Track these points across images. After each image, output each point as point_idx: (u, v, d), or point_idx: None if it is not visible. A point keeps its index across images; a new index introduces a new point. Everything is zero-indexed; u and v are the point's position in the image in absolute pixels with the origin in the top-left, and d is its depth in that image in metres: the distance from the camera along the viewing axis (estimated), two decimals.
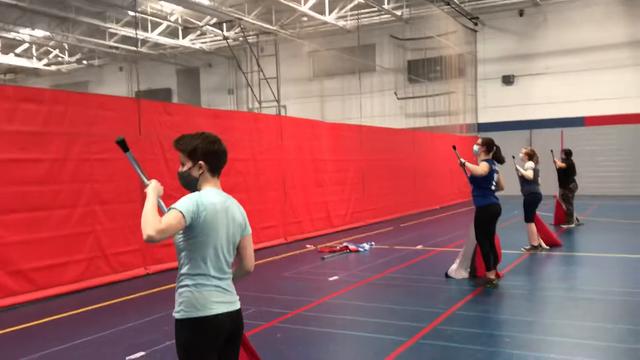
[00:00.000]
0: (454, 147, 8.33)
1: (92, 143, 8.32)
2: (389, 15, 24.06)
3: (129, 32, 24.65)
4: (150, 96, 29.40)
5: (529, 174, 10.35)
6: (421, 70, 25.50)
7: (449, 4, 22.21)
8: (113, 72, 32.61)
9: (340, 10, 24.14)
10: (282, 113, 23.23)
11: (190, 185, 3.02)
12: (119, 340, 5.82)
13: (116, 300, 7.54)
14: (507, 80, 25.00)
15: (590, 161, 22.75)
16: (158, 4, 22.84)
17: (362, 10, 23.91)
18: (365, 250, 11.04)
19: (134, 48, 27.71)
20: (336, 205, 14.27)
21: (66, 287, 7.90)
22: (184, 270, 2.92)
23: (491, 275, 7.77)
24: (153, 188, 2.91)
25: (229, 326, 2.93)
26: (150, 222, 2.68)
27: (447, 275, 8.30)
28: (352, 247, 11.02)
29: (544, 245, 10.46)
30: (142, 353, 5.34)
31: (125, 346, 5.57)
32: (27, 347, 5.64)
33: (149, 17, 23.64)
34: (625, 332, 5.69)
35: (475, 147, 8.02)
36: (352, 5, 23.56)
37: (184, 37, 26.89)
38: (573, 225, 13.38)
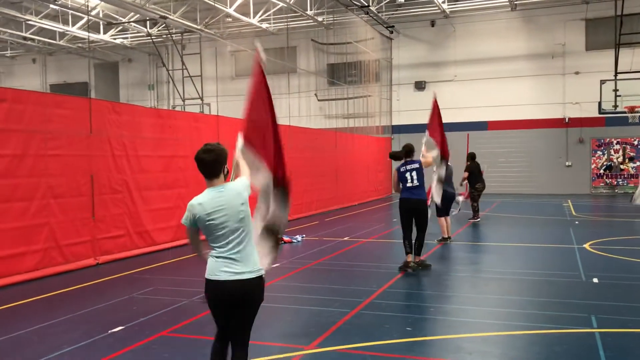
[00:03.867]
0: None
1: (47, 140, 8.75)
2: (311, 21, 25.18)
3: (46, 24, 24.24)
4: (65, 90, 28.87)
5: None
6: (341, 73, 26.80)
7: (367, 13, 23.62)
8: (26, 64, 31.67)
9: (264, 14, 24.96)
10: (206, 111, 23.71)
11: None
12: (93, 319, 6.43)
13: (75, 287, 8.06)
14: (419, 85, 26.84)
15: (492, 162, 25.01)
16: None
17: (286, 15, 24.84)
18: (298, 241, 12.01)
19: (50, 40, 27.15)
20: None
21: (22, 276, 8.30)
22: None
23: (408, 258, 8.71)
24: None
25: (232, 291, 3.70)
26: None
27: None
28: (286, 238, 11.94)
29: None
30: (121, 327, 6.02)
31: (102, 323, 6.21)
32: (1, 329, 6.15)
33: (70, 11, 23.36)
34: (523, 302, 7.04)
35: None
36: (275, 9, 24.46)
37: (105, 33, 26.67)
38: (478, 220, 15.01)
